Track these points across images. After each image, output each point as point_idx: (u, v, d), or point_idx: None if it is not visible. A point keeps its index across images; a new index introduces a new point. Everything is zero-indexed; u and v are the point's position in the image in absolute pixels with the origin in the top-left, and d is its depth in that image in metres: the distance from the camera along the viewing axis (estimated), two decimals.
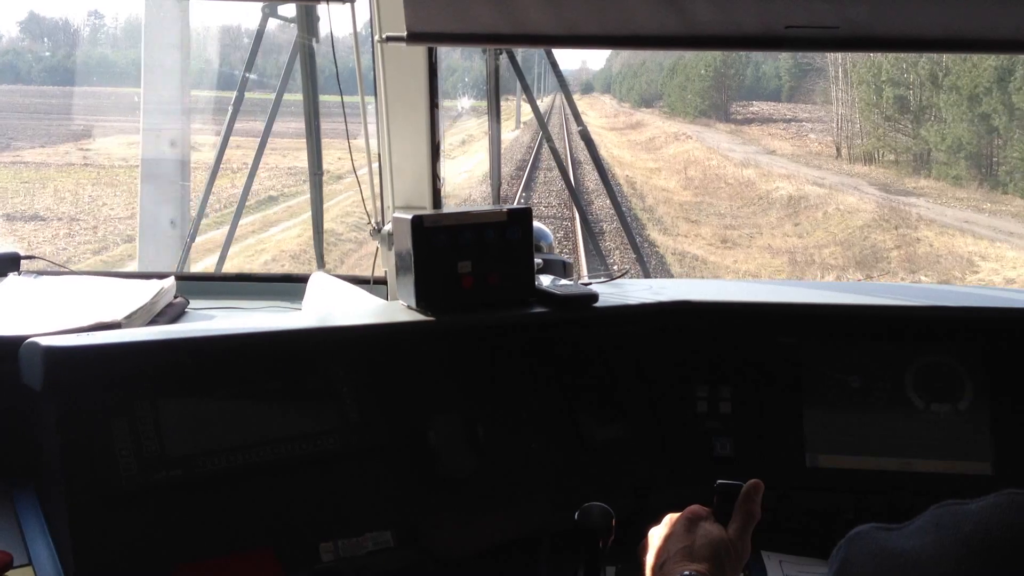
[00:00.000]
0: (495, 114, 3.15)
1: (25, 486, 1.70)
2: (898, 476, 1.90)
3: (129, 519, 1.54)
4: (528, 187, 18.36)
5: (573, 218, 14.11)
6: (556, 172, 18.54)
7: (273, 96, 3.37)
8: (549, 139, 3.53)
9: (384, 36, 2.08)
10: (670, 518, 1.41)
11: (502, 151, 3.56)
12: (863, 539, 0.79)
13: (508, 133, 26.17)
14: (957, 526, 0.72)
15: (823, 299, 2.05)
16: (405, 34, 1.99)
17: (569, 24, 1.97)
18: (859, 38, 1.96)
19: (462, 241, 1.84)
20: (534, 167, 21.02)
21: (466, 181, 18.62)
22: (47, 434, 1.59)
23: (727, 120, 34.25)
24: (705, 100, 34.96)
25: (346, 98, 2.38)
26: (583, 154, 19.96)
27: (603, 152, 22.11)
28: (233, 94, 3.47)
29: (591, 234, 4.61)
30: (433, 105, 2.33)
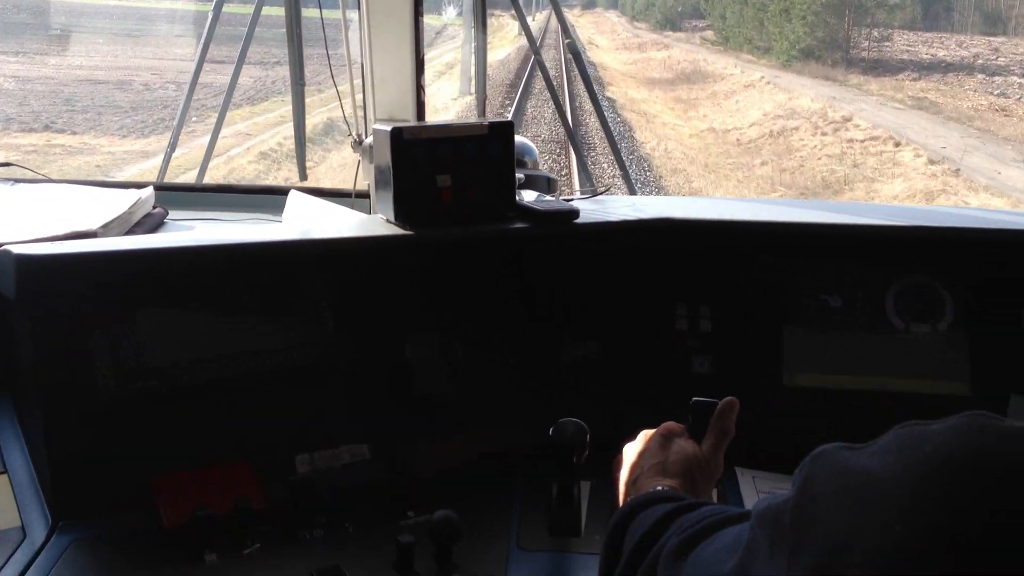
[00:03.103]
0: (481, 25, 3.08)
1: (3, 397, 1.70)
2: (876, 395, 1.91)
3: (106, 429, 1.54)
4: (520, 114, 16.90)
5: (564, 135, 13.73)
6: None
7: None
8: (537, 52, 3.46)
9: None
10: (644, 434, 1.42)
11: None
12: (826, 457, 0.79)
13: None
14: (918, 446, 0.72)
15: (806, 218, 2.03)
16: None
17: None
18: None
19: (442, 154, 1.80)
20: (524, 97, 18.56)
21: None
22: (22, 344, 1.58)
23: (850, 66, 19.34)
24: (816, 30, 20.64)
25: (327, 10, 2.32)
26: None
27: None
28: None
29: (577, 150, 4.54)
30: (418, 14, 2.27)
